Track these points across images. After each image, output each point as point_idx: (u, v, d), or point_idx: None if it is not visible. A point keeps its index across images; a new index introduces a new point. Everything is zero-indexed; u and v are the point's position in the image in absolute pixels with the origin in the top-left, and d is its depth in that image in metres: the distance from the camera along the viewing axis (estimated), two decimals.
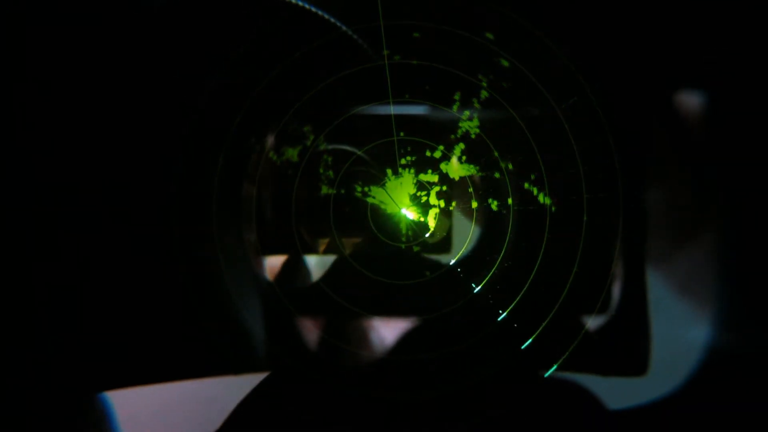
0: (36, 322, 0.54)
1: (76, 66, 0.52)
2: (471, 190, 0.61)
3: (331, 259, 0.62)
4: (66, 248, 0.55)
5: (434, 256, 0.62)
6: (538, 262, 0.59)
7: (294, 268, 0.61)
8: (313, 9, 0.53)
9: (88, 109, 0.53)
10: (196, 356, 0.58)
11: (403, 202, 0.61)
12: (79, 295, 0.55)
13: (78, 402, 0.56)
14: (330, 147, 0.60)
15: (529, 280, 0.59)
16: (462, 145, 0.59)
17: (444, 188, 0.61)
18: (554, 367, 0.56)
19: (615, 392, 0.55)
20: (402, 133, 0.59)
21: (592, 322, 0.57)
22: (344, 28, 0.54)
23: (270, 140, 0.59)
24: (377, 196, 0.61)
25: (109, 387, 0.57)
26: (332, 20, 0.54)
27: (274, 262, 0.61)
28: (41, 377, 0.54)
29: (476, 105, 0.58)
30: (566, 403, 0.56)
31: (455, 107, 0.58)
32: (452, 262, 0.61)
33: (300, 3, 0.52)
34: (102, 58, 0.52)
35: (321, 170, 0.60)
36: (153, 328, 0.57)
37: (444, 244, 0.62)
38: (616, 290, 0.57)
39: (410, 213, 0.61)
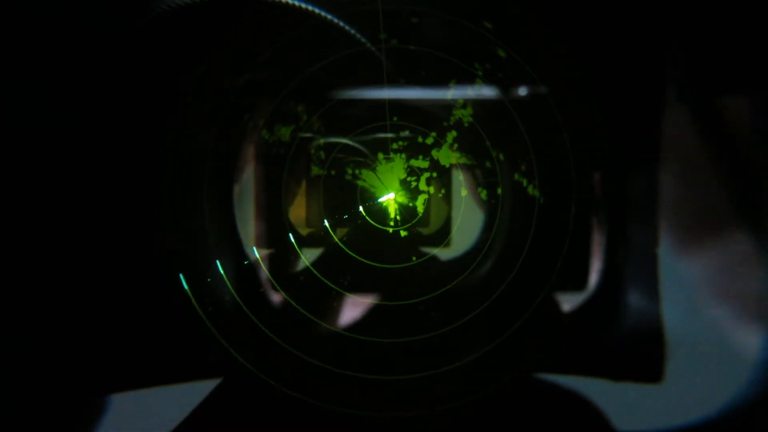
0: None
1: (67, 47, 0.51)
2: (461, 177, 0.61)
3: (319, 240, 0.62)
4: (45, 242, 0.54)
5: (421, 241, 0.62)
6: (524, 253, 0.60)
7: (282, 248, 0.61)
8: None
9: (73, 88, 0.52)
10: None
11: (393, 186, 0.61)
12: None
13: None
14: (323, 133, 0.60)
15: (514, 271, 0.60)
16: (454, 133, 0.60)
17: (434, 175, 0.61)
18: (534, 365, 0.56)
19: (626, 402, 0.52)
20: (395, 118, 0.59)
21: (575, 312, 0.57)
22: (342, 13, 0.54)
23: (263, 119, 0.59)
24: (367, 179, 0.61)
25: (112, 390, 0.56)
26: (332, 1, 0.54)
27: (263, 241, 0.61)
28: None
29: (471, 93, 0.58)
30: (559, 407, 0.55)
31: (450, 94, 0.58)
32: (439, 248, 0.62)
33: None
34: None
35: (312, 151, 0.60)
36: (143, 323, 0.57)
37: (431, 229, 0.62)
38: (619, 288, 0.56)
39: (399, 197, 0.62)
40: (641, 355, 0.54)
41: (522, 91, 0.58)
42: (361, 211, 0.62)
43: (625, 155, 0.55)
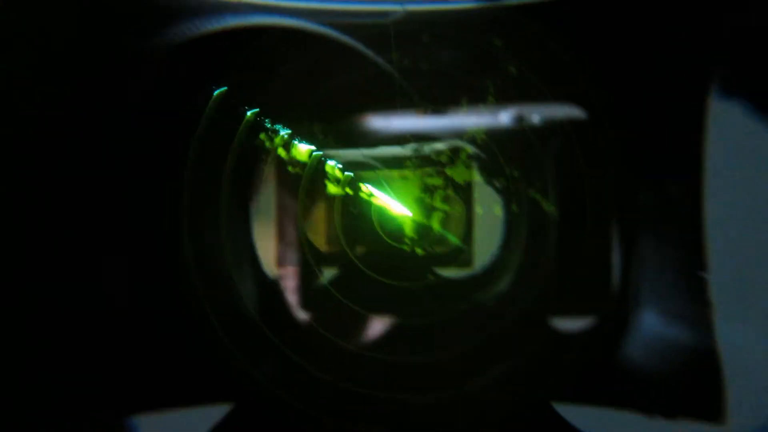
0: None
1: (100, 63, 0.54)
2: (476, 195, 0.61)
3: (336, 258, 0.63)
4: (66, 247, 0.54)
5: (437, 259, 0.62)
6: (541, 271, 0.59)
7: (300, 267, 0.62)
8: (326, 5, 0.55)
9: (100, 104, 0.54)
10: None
11: (408, 205, 0.62)
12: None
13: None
14: (338, 150, 0.61)
15: (532, 290, 0.59)
16: (468, 150, 0.60)
17: (449, 192, 0.61)
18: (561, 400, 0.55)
19: None
20: (409, 136, 0.60)
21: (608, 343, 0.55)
22: (355, 35, 0.56)
23: (280, 138, 0.60)
24: (382, 197, 0.62)
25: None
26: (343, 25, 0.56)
27: (281, 260, 0.62)
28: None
29: (483, 111, 0.59)
30: None
31: (462, 112, 0.59)
32: (455, 266, 0.62)
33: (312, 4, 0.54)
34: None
35: (328, 170, 0.61)
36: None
37: (447, 247, 0.62)
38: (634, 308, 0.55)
39: (415, 215, 0.62)
40: (694, 389, 0.50)
41: (535, 113, 0.58)
42: (377, 230, 0.62)
43: (644, 169, 0.55)
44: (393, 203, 0.62)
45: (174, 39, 0.53)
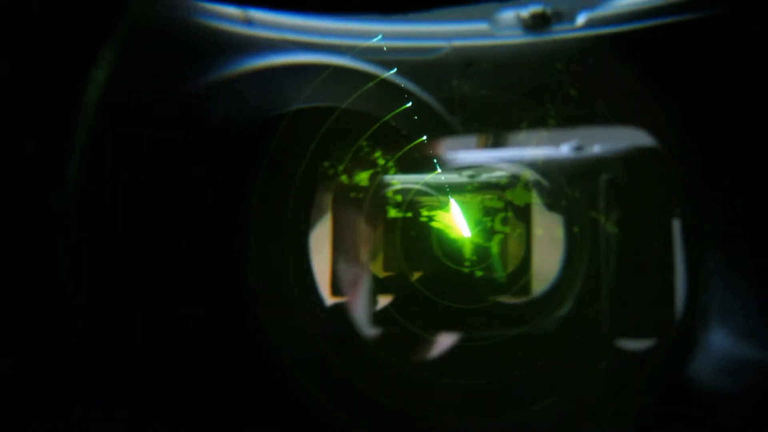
0: None
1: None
2: (536, 217, 0.61)
3: (397, 282, 0.64)
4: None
5: (498, 282, 0.62)
6: (605, 294, 0.58)
7: (362, 290, 0.63)
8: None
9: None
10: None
11: (469, 227, 0.62)
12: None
13: None
14: (398, 175, 0.62)
15: (593, 313, 0.59)
16: (528, 173, 0.60)
17: (509, 214, 0.62)
18: None
19: None
20: (470, 161, 0.61)
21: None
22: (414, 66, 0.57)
23: (343, 164, 0.62)
24: (442, 220, 0.63)
25: None
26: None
27: (343, 283, 0.63)
28: None
29: (544, 134, 0.59)
30: None
31: (522, 135, 0.60)
32: (516, 288, 0.62)
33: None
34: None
35: (389, 194, 0.62)
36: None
37: (508, 269, 0.62)
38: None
39: (474, 237, 0.62)
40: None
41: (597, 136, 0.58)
42: (436, 252, 0.63)
43: (710, 188, 0.54)
44: (452, 226, 0.63)
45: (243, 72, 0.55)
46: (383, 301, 0.63)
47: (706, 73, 0.53)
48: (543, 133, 0.59)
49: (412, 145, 0.61)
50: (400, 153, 0.61)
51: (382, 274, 0.64)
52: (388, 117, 0.60)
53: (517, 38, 0.56)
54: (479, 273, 0.62)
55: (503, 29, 0.56)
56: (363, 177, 0.62)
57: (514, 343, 0.60)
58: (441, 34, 0.58)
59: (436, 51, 0.57)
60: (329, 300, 0.63)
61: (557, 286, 0.61)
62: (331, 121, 0.59)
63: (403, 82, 0.58)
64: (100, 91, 0.44)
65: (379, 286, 0.63)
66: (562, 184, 0.60)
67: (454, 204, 0.62)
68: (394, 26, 0.58)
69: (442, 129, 0.60)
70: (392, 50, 0.58)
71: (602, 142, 0.59)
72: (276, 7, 0.57)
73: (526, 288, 0.62)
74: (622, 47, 0.55)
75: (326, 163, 0.61)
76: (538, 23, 0.54)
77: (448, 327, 0.62)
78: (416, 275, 0.63)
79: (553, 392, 0.57)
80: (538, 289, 0.62)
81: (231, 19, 0.57)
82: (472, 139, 0.61)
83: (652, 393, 0.55)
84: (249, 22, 0.57)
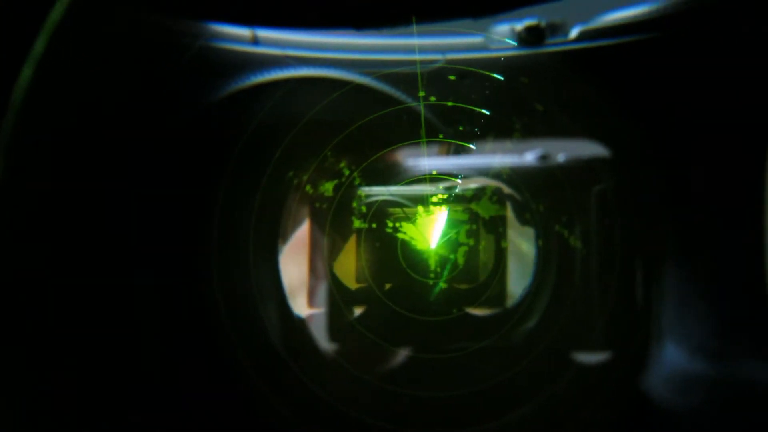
0: None
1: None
2: (501, 229, 0.61)
3: (363, 293, 0.63)
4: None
5: (463, 293, 0.62)
6: (568, 307, 0.59)
7: (327, 302, 0.62)
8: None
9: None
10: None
11: (434, 239, 0.62)
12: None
13: None
14: (363, 186, 0.62)
15: (558, 326, 0.59)
16: (493, 185, 0.60)
17: (474, 227, 0.62)
18: None
19: None
20: (434, 172, 0.61)
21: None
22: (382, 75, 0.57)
23: (307, 175, 0.61)
24: (408, 231, 0.62)
25: None
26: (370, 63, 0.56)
27: (309, 297, 0.62)
28: None
29: (509, 147, 0.59)
30: None
31: (488, 148, 0.60)
32: (478, 301, 0.62)
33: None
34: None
35: (354, 204, 0.62)
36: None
37: (472, 282, 0.62)
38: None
39: (439, 249, 0.62)
40: (718, 424, 0.50)
41: (561, 150, 0.58)
42: (401, 264, 0.62)
43: (668, 203, 0.55)
44: (417, 237, 0.62)
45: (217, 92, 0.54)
46: (353, 312, 0.63)
47: (670, 87, 0.54)
48: (509, 144, 0.59)
49: (377, 156, 0.61)
50: (365, 164, 0.61)
51: (354, 286, 0.63)
52: (353, 127, 0.59)
53: (508, 51, 0.56)
54: (444, 285, 0.62)
55: (498, 42, 0.56)
56: (327, 187, 0.61)
57: (479, 355, 0.60)
58: (436, 47, 0.58)
59: (430, 64, 0.57)
60: (294, 309, 0.62)
61: (525, 299, 0.61)
62: (295, 131, 0.58)
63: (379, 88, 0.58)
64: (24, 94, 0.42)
65: (352, 298, 0.63)
66: (528, 198, 0.60)
67: (419, 215, 0.62)
68: (390, 40, 0.57)
69: (409, 138, 0.60)
70: (388, 63, 0.57)
71: (566, 152, 0.59)
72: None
73: (494, 300, 0.62)
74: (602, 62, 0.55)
75: (290, 173, 0.61)
76: (532, 36, 0.54)
77: (412, 339, 0.61)
78: (381, 286, 0.63)
79: (515, 407, 0.57)
80: (508, 301, 0.62)
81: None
82: (437, 149, 0.61)
83: (610, 408, 0.55)
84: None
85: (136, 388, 0.55)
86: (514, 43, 0.55)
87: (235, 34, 0.56)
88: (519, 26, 0.54)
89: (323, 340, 0.61)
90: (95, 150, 0.51)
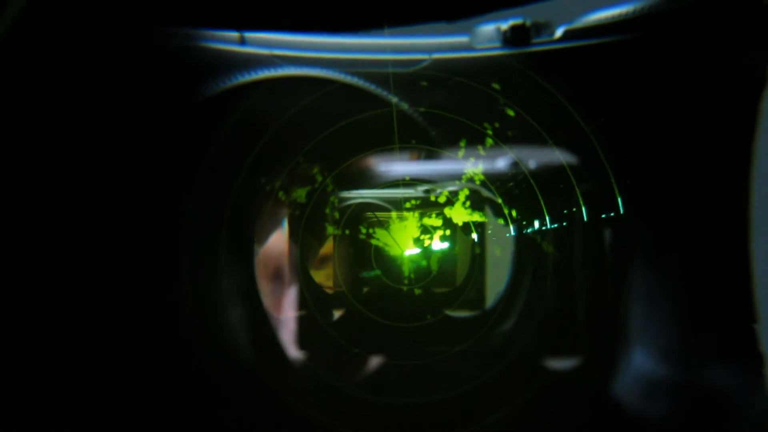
0: None
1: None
2: (474, 235, 0.61)
3: (336, 299, 0.63)
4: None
5: (436, 300, 0.62)
6: (543, 313, 0.59)
7: (298, 308, 0.62)
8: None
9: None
10: None
11: (407, 245, 0.62)
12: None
13: None
14: (336, 192, 0.61)
15: (531, 332, 0.59)
16: (466, 191, 0.60)
17: (447, 233, 0.62)
18: None
19: None
20: (407, 178, 0.61)
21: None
22: (354, 75, 0.56)
23: (279, 181, 0.61)
24: (381, 238, 0.62)
25: None
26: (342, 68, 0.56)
27: (278, 300, 0.62)
28: None
29: (481, 152, 0.59)
30: None
31: (461, 154, 0.60)
32: (453, 306, 0.62)
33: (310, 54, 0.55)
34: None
35: (327, 211, 0.62)
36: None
37: (446, 288, 0.62)
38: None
39: (413, 256, 0.62)
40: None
41: (533, 157, 0.58)
42: (375, 270, 0.62)
43: (638, 207, 0.55)
44: (391, 243, 0.62)
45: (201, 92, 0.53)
46: (326, 318, 0.62)
47: (640, 90, 0.54)
48: (481, 150, 0.59)
49: (350, 161, 0.60)
50: (338, 170, 0.60)
51: (331, 291, 0.63)
52: (327, 132, 0.59)
53: (495, 51, 0.55)
54: (417, 291, 0.62)
55: (483, 42, 0.56)
56: (300, 194, 0.61)
57: (451, 361, 0.60)
58: (422, 47, 0.57)
59: (417, 64, 0.57)
60: (266, 315, 0.62)
61: (499, 304, 0.61)
62: (267, 137, 0.58)
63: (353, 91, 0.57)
64: None
65: (329, 303, 0.63)
66: (500, 204, 0.60)
67: (393, 221, 0.62)
68: (375, 40, 0.57)
69: (381, 143, 0.60)
70: (373, 63, 0.57)
71: (537, 158, 0.59)
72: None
73: (471, 303, 0.62)
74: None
75: (262, 180, 0.60)
76: (517, 36, 0.54)
77: (386, 345, 0.61)
78: (355, 292, 0.63)
79: (488, 413, 0.57)
80: (477, 306, 0.62)
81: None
82: (410, 155, 0.61)
83: (581, 413, 0.55)
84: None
85: (99, 393, 0.54)
86: (499, 43, 0.55)
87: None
88: (504, 26, 0.54)
89: (296, 347, 0.61)
90: (62, 152, 0.50)
